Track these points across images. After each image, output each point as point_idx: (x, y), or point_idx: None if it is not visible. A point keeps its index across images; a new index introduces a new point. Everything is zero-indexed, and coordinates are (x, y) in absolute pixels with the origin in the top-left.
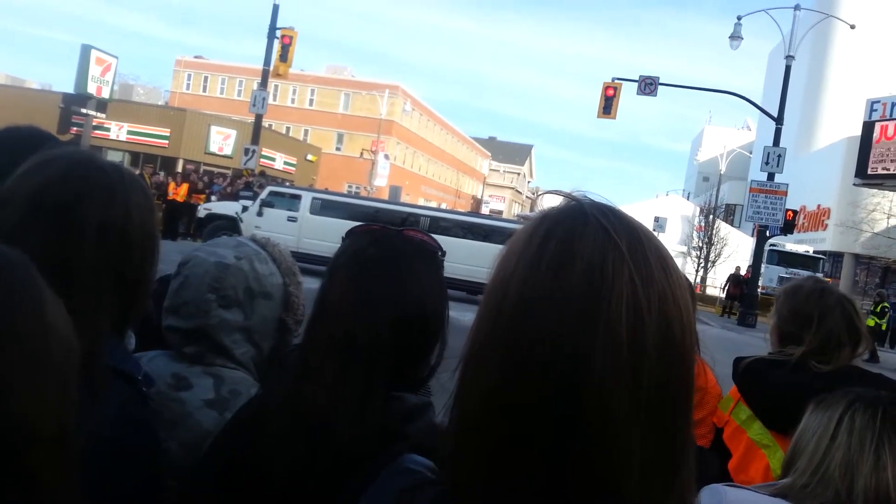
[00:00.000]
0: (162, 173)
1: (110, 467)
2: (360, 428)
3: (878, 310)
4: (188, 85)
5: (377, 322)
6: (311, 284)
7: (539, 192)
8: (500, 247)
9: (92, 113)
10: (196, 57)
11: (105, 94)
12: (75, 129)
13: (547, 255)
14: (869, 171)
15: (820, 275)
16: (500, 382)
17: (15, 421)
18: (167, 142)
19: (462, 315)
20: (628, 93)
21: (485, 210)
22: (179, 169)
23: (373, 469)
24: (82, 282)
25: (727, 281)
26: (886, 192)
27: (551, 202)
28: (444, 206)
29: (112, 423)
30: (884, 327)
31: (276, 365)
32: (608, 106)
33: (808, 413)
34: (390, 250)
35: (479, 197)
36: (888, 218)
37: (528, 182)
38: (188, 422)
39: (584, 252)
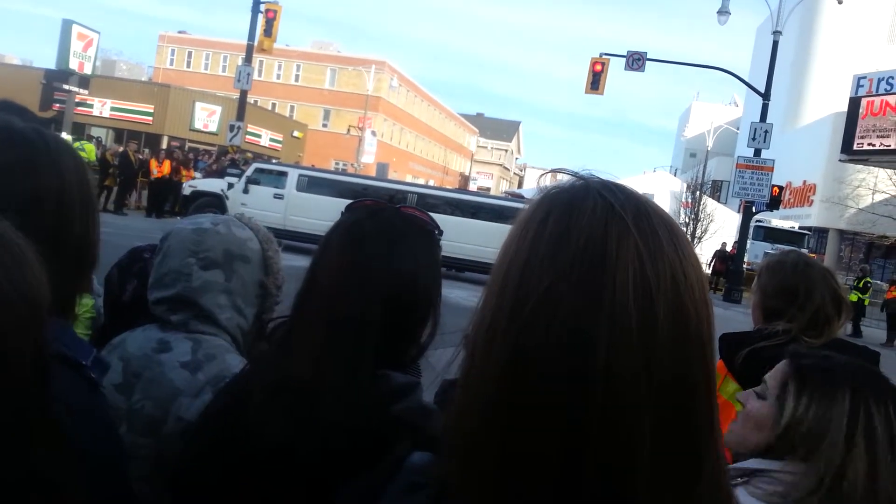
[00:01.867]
0: (147, 151)
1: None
2: (345, 401)
3: (861, 285)
4: (172, 60)
5: (366, 295)
6: (298, 262)
7: (544, 172)
8: (487, 223)
9: (74, 89)
10: (179, 32)
11: (87, 70)
12: (57, 105)
13: (546, 232)
14: (854, 147)
15: (805, 250)
16: (507, 368)
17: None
18: (151, 118)
19: (449, 292)
20: (616, 69)
21: (472, 187)
22: (164, 146)
23: (382, 470)
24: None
25: (713, 257)
26: (872, 167)
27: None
28: (431, 182)
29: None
30: (866, 302)
31: (264, 337)
32: (596, 82)
33: (797, 389)
34: (385, 225)
35: (467, 174)
36: (873, 194)
37: (516, 158)
38: (161, 380)
39: (582, 225)
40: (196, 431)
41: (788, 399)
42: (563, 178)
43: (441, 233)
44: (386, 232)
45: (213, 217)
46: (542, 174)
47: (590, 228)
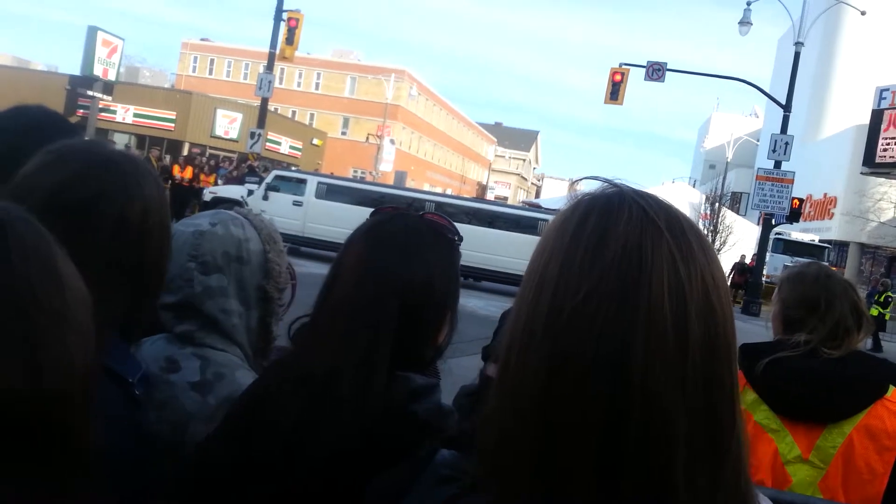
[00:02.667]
0: (168, 157)
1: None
2: (363, 397)
3: (882, 299)
4: (194, 68)
5: (384, 293)
6: (316, 269)
7: (575, 179)
8: (504, 233)
9: (98, 95)
10: (202, 39)
11: (111, 77)
12: (81, 111)
13: (584, 236)
14: (877, 160)
15: (825, 263)
16: (545, 373)
17: (42, 376)
18: (173, 125)
19: (466, 301)
20: (636, 79)
21: (490, 196)
22: (185, 152)
23: (410, 466)
24: (94, 280)
25: (732, 269)
26: (894, 180)
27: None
28: (449, 191)
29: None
30: (887, 317)
31: (269, 343)
32: (615, 91)
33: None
34: (404, 228)
35: (485, 183)
36: (895, 207)
37: (534, 168)
38: (174, 404)
39: (620, 230)
40: (223, 422)
41: None
42: (592, 186)
43: (461, 239)
44: (405, 235)
45: (213, 215)
46: (575, 180)
47: (626, 233)
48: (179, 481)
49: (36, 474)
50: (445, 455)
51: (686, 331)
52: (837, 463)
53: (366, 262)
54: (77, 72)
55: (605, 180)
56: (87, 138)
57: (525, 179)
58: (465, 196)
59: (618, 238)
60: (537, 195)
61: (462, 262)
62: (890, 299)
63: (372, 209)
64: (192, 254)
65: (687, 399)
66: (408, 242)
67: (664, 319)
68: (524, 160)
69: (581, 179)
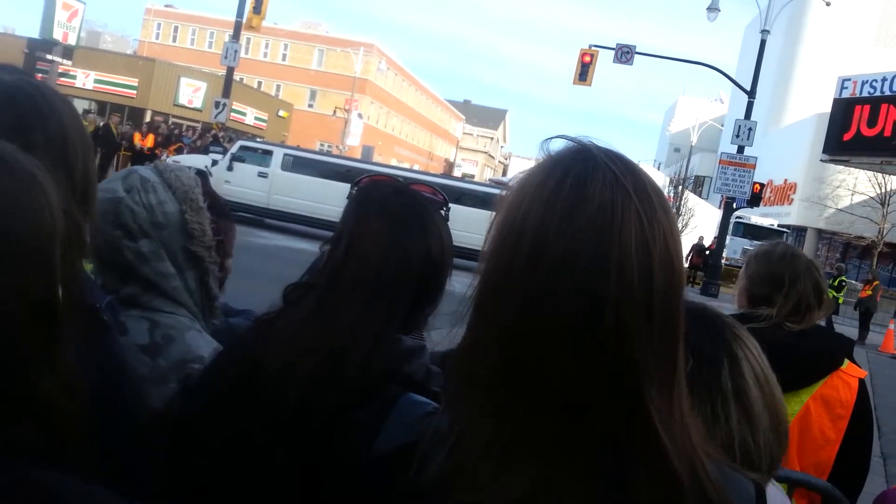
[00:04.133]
0: (129, 124)
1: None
2: (369, 365)
3: (836, 283)
4: (157, 35)
5: (407, 264)
6: (282, 241)
7: (548, 138)
8: (471, 209)
9: (57, 59)
10: (166, 6)
11: (72, 41)
12: (40, 75)
13: (562, 196)
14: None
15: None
16: (519, 315)
17: (32, 288)
18: (135, 92)
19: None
20: (605, 62)
21: (457, 173)
22: (147, 120)
23: (384, 403)
24: None
25: (691, 250)
26: (852, 168)
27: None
28: (416, 167)
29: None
30: (840, 300)
31: (284, 298)
32: (584, 73)
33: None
34: (413, 199)
35: (452, 160)
36: (852, 195)
37: (501, 147)
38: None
39: (595, 192)
40: (201, 389)
41: None
42: (562, 143)
43: (449, 208)
44: (416, 207)
45: (124, 179)
46: (547, 139)
47: (601, 196)
48: (153, 446)
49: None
50: (414, 395)
51: (651, 279)
52: (794, 429)
53: (388, 238)
54: (35, 35)
55: (576, 140)
56: None
57: (492, 158)
58: (433, 172)
59: (593, 199)
60: (504, 173)
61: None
62: (844, 283)
63: (354, 180)
64: (115, 221)
65: (653, 335)
66: (422, 216)
67: (632, 268)
68: (492, 138)
69: (553, 138)
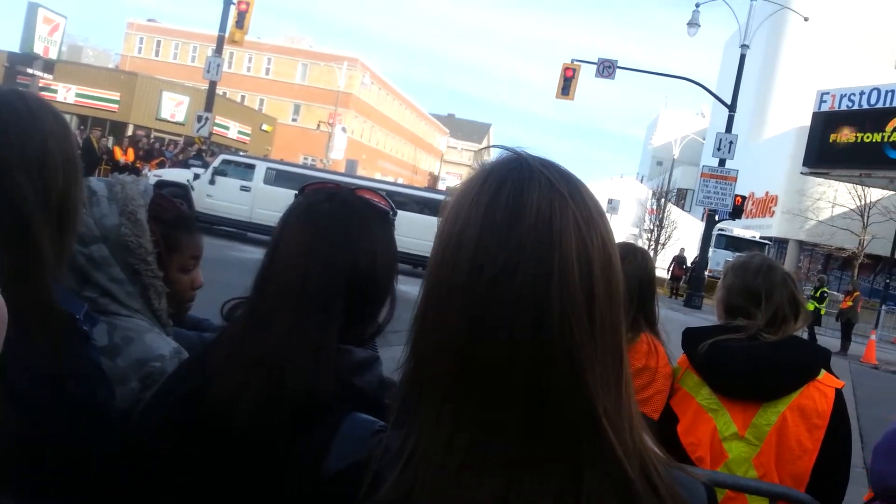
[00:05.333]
0: (111, 138)
1: (55, 411)
2: (314, 377)
3: (818, 295)
4: (140, 49)
5: (330, 272)
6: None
7: (483, 147)
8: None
9: (38, 73)
10: (149, 20)
11: (53, 55)
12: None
13: (500, 205)
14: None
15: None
16: (465, 331)
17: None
18: (117, 106)
19: (412, 289)
20: (587, 76)
21: (441, 187)
22: (129, 134)
23: (329, 425)
24: (14, 220)
25: (672, 262)
26: (832, 181)
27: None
28: (400, 181)
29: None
30: (822, 311)
31: (223, 316)
32: (567, 87)
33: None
34: (343, 206)
35: (437, 173)
36: (832, 207)
37: (486, 160)
38: None
39: (533, 200)
40: (154, 406)
41: None
42: (497, 153)
43: (395, 213)
44: (345, 213)
45: None
46: (480, 149)
47: (538, 204)
48: (108, 456)
49: None
50: (362, 415)
51: (591, 283)
52: (771, 440)
53: (310, 245)
54: (16, 49)
55: (508, 149)
56: None
57: None
58: (417, 186)
59: (531, 208)
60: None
61: (413, 251)
62: (825, 295)
63: (300, 187)
64: None
65: (596, 339)
66: (350, 223)
67: (574, 273)
68: (476, 152)
69: (487, 148)
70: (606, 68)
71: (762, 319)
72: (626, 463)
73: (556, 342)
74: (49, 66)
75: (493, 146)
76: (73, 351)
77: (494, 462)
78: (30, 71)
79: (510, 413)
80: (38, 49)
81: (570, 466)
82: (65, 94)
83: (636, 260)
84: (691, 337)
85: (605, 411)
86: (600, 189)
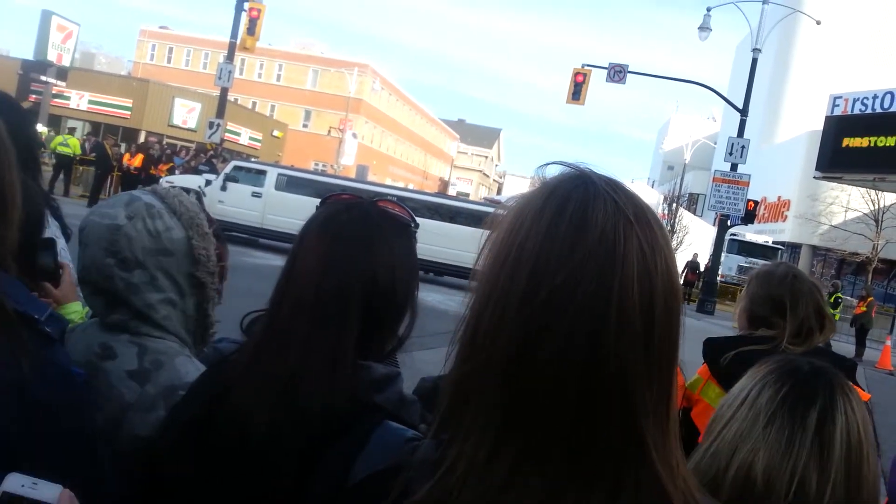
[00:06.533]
0: (123, 145)
1: (22, 417)
2: (330, 392)
3: (832, 300)
4: (152, 56)
5: (347, 285)
6: (276, 262)
7: (544, 164)
8: (466, 228)
9: (52, 80)
10: (161, 27)
11: (66, 62)
12: (34, 96)
13: (563, 223)
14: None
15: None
16: (518, 345)
17: None
18: (129, 113)
19: (427, 295)
20: (598, 81)
21: (452, 192)
22: (142, 140)
23: (361, 433)
24: None
25: (685, 267)
26: (845, 185)
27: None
28: (411, 186)
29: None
30: (836, 317)
31: (242, 329)
32: (577, 92)
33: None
34: (362, 218)
35: (447, 179)
36: (846, 211)
37: (496, 165)
38: (111, 393)
39: (597, 220)
40: (172, 422)
41: None
42: (559, 169)
43: (417, 226)
44: (363, 225)
45: (127, 205)
46: (543, 165)
47: (603, 224)
48: (125, 476)
49: None
50: (394, 423)
51: (652, 310)
52: None
53: (327, 257)
54: (30, 56)
55: (572, 166)
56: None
57: (487, 176)
58: (427, 191)
59: (595, 228)
60: (499, 192)
61: (423, 257)
62: (840, 300)
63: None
64: (109, 249)
65: (651, 366)
66: (369, 235)
67: (633, 298)
68: (486, 157)
69: (549, 164)
70: (617, 73)
71: (787, 330)
72: (672, 493)
73: (609, 365)
74: (62, 73)
75: (554, 163)
76: (33, 354)
77: (538, 478)
78: (43, 78)
79: (557, 431)
80: (52, 56)
81: (613, 489)
82: (78, 101)
83: None
84: (714, 347)
85: (653, 438)
86: None
